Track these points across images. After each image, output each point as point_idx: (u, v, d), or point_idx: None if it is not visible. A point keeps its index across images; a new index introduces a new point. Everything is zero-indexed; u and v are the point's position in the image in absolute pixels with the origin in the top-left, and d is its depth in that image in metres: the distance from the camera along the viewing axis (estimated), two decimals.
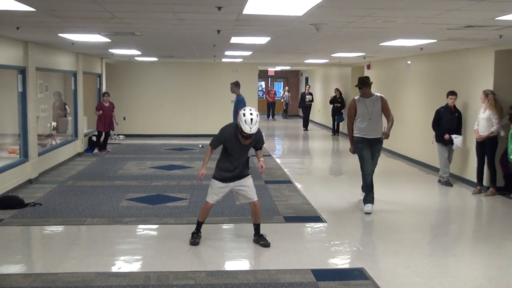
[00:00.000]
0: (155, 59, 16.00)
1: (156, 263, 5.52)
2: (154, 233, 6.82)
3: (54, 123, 12.60)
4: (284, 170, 11.31)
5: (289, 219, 7.27)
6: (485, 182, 9.03)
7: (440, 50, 10.46)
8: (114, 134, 16.77)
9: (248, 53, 12.59)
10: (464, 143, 9.53)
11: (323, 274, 5.18)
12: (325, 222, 7.17)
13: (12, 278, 5.03)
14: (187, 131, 17.57)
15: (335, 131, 18.60)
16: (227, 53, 12.53)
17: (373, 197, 7.70)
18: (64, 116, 13.58)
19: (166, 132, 17.70)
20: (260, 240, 6.08)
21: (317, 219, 7.31)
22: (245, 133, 5.63)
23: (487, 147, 8.80)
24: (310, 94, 21.26)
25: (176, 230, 6.69)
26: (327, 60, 15.60)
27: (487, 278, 5.28)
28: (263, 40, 9.04)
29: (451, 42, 8.60)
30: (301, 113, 23.42)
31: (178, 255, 5.76)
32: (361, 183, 7.89)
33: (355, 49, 10.88)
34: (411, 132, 12.24)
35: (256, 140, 5.98)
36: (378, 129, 7.58)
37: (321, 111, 22.36)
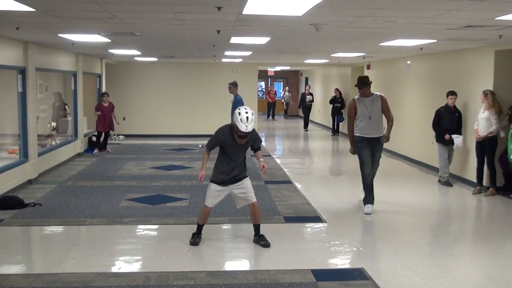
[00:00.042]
0: (155, 59, 16.00)
1: (156, 263, 5.52)
2: (154, 233, 6.82)
3: (54, 124, 12.61)
4: (284, 170, 11.31)
5: (289, 219, 7.27)
6: (485, 182, 9.03)
7: (440, 50, 10.47)
8: (114, 135, 16.78)
9: (248, 53, 12.59)
10: (464, 143, 9.53)
11: (323, 274, 5.18)
12: (325, 222, 7.17)
13: (12, 279, 5.03)
14: (187, 131, 17.57)
15: (335, 131, 18.60)
16: (227, 53, 12.53)
17: (373, 198, 7.70)
18: (64, 117, 13.57)
19: (166, 132, 17.70)
20: (260, 240, 6.08)
21: (317, 219, 7.32)
22: (241, 131, 5.66)
23: (486, 147, 8.81)
24: (311, 94, 21.25)
25: (176, 231, 6.69)
26: (327, 60, 15.60)
27: (487, 278, 5.28)
28: (263, 40, 9.04)
29: (451, 42, 8.60)
30: (301, 113, 23.43)
31: (178, 255, 5.76)
32: (361, 183, 7.86)
33: (355, 49, 10.88)
34: (411, 132, 12.24)
35: (253, 140, 6.00)
36: (379, 128, 7.56)
37: (321, 111, 22.36)
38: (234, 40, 8.99)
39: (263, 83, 29.05)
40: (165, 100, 17.95)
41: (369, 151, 7.54)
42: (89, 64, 14.17)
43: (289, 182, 9.97)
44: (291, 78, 28.98)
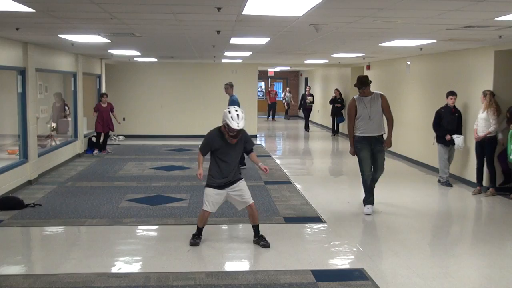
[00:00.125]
0: (154, 59, 16.00)
1: (156, 263, 5.52)
2: (154, 233, 6.82)
3: (54, 124, 12.60)
4: (284, 170, 11.31)
5: (289, 220, 7.27)
6: (485, 182, 9.03)
7: (439, 50, 10.47)
8: (114, 135, 16.78)
9: (248, 53, 12.59)
10: (464, 143, 9.52)
11: (323, 275, 5.18)
12: (325, 222, 7.17)
13: (12, 279, 5.03)
14: (186, 132, 17.57)
15: (335, 131, 18.60)
16: (226, 53, 12.53)
17: (373, 199, 7.69)
18: (65, 117, 13.57)
19: (165, 132, 17.70)
20: (260, 240, 6.07)
21: (317, 219, 7.31)
22: (233, 129, 5.69)
23: (486, 147, 8.81)
24: (311, 95, 21.24)
25: (176, 231, 6.69)
26: (327, 61, 15.61)
27: (487, 278, 5.28)
28: (262, 40, 9.04)
29: (451, 42, 8.60)
30: (301, 114, 23.42)
31: (178, 255, 5.76)
32: (361, 183, 7.84)
33: (354, 49, 10.88)
34: (411, 132, 12.24)
35: (244, 141, 6.01)
36: (379, 127, 7.51)
37: (321, 112, 22.36)
38: (234, 40, 8.99)
39: (263, 84, 29.04)
40: (164, 100, 17.95)
41: (368, 151, 7.50)
42: (89, 64, 14.18)
43: (289, 182, 9.97)
44: (290, 78, 28.97)
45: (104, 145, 13.95)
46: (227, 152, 5.92)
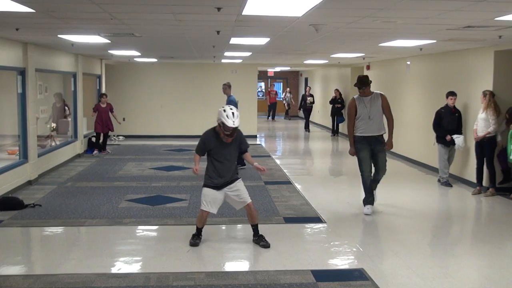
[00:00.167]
0: (154, 60, 16.00)
1: (156, 264, 5.52)
2: (154, 234, 6.82)
3: (53, 124, 12.60)
4: (284, 171, 11.31)
5: (288, 220, 7.27)
6: (485, 182, 9.03)
7: (439, 50, 10.47)
8: (114, 135, 16.79)
9: (248, 54, 12.60)
10: (465, 143, 9.52)
11: (323, 275, 5.18)
12: (325, 222, 7.17)
13: (12, 280, 5.03)
14: (186, 132, 17.57)
15: (335, 131, 18.61)
16: (226, 54, 12.53)
17: (373, 199, 7.68)
18: (65, 117, 13.57)
19: (165, 133, 17.70)
20: (260, 241, 6.07)
21: (317, 219, 7.31)
22: (228, 127, 5.71)
23: (486, 147, 8.81)
24: (311, 95, 21.23)
25: (175, 231, 6.69)
26: (327, 61, 15.61)
27: (487, 278, 5.28)
28: (262, 41, 9.04)
29: (451, 42, 8.61)
30: (301, 114, 23.40)
31: (178, 256, 5.76)
32: (361, 184, 7.82)
33: (354, 49, 10.89)
34: (411, 132, 12.24)
35: (239, 141, 6.02)
36: (379, 127, 7.47)
37: (320, 112, 22.36)
38: (233, 40, 8.99)
39: (263, 84, 29.04)
40: (164, 100, 17.95)
41: (368, 152, 7.47)
42: (89, 65, 14.18)
43: (289, 182, 9.97)
44: (290, 78, 28.97)
45: (104, 146, 13.95)
46: (223, 152, 5.93)
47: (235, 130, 5.81)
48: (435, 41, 8.50)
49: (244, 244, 6.22)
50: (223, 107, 5.89)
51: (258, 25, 6.88)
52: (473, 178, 9.26)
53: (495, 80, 8.95)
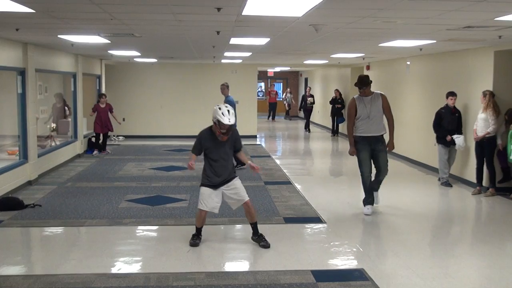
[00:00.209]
0: (154, 60, 16.00)
1: (155, 264, 5.52)
2: (154, 234, 6.82)
3: (53, 125, 12.61)
4: (284, 171, 11.31)
5: (288, 220, 7.27)
6: (485, 182, 9.03)
7: (439, 50, 10.47)
8: (114, 135, 16.79)
9: (248, 54, 12.60)
10: (465, 143, 9.52)
11: (323, 275, 5.18)
12: (325, 223, 7.17)
13: (12, 280, 5.03)
14: (186, 132, 17.53)
15: (335, 132, 18.60)
16: (226, 54, 12.53)
17: (373, 199, 7.67)
18: (64, 118, 13.57)
19: (165, 133, 17.70)
20: (260, 241, 6.07)
21: (317, 220, 7.31)
22: (224, 125, 5.74)
23: (486, 147, 8.81)
24: (311, 96, 21.23)
25: (175, 231, 6.69)
26: (327, 61, 15.61)
27: (487, 278, 5.28)
28: (262, 41, 9.04)
29: (451, 42, 8.61)
30: (301, 114, 23.37)
31: (178, 256, 5.76)
32: (361, 184, 7.81)
33: (354, 49, 10.89)
34: (411, 133, 12.24)
35: (234, 140, 6.05)
36: (379, 127, 7.44)
37: (320, 112, 22.36)
38: (233, 41, 8.99)
39: (262, 84, 29.03)
40: (164, 101, 17.95)
41: (368, 152, 7.45)
42: (89, 65, 14.18)
43: (288, 182, 9.97)
44: (290, 78, 28.97)
45: (103, 146, 13.95)
46: (218, 151, 5.96)
47: (231, 128, 5.85)
48: (435, 41, 8.50)
49: (244, 244, 6.22)
50: (218, 105, 5.93)
51: (258, 25, 6.88)
52: (473, 178, 9.26)
53: (495, 80, 8.95)
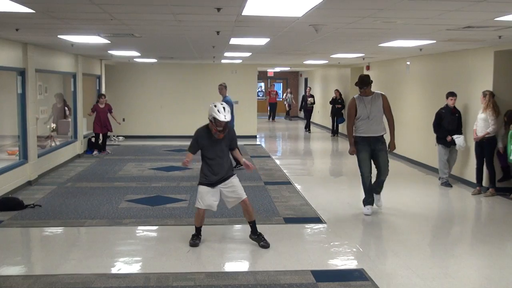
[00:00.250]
0: (154, 60, 16.00)
1: (155, 264, 5.52)
2: (154, 234, 6.82)
3: (53, 125, 12.61)
4: (284, 171, 11.31)
5: (288, 220, 7.26)
6: (485, 182, 9.03)
7: (439, 51, 10.47)
8: (114, 136, 16.78)
9: (248, 54, 12.60)
10: (465, 143, 9.52)
11: (323, 275, 5.18)
12: (325, 223, 7.17)
13: (12, 280, 5.03)
14: (186, 132, 17.45)
15: (335, 132, 18.60)
16: (226, 54, 12.53)
17: (373, 200, 7.67)
18: (64, 118, 13.58)
19: (165, 133, 17.70)
20: (259, 240, 6.07)
21: (317, 220, 7.31)
22: (220, 122, 5.79)
23: (485, 148, 8.81)
24: (312, 96, 21.22)
25: (175, 232, 6.69)
26: (326, 61, 15.61)
27: (487, 279, 5.28)
28: (262, 41, 9.04)
29: (451, 43, 8.61)
30: (301, 115, 23.35)
31: (178, 256, 5.76)
32: (361, 184, 7.80)
33: (354, 50, 10.89)
34: (411, 133, 12.24)
35: (231, 138, 6.08)
36: (379, 127, 7.43)
37: (320, 112, 22.36)
38: (233, 41, 8.99)
39: (262, 84, 29.02)
40: (164, 101, 17.95)
41: (368, 153, 7.44)
42: (89, 65, 14.18)
43: (288, 183, 9.97)
44: (290, 79, 28.97)
45: (103, 146, 13.95)
46: (215, 149, 5.98)
47: (227, 125, 5.87)
48: (435, 41, 8.50)
49: (244, 244, 6.22)
50: (213, 103, 5.96)
51: (258, 25, 6.88)
52: (473, 178, 9.26)
53: (495, 81, 8.95)
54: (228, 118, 5.82)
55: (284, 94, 27.24)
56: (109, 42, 9.20)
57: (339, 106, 17.98)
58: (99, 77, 15.58)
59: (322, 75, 22.54)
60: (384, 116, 7.51)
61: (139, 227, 6.94)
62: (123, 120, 16.71)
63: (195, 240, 6.10)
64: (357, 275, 5.22)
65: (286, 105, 26.78)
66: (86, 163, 12.17)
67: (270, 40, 8.75)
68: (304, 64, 18.14)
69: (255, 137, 17.67)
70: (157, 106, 17.88)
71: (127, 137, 17.39)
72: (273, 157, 13.63)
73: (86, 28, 7.31)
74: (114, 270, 5.41)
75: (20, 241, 6.78)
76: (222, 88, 11.30)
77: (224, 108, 5.84)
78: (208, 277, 5.12)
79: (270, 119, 26.04)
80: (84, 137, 13.71)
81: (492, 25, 6.31)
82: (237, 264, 5.75)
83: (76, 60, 12.80)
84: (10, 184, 8.74)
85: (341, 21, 6.29)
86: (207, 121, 6.09)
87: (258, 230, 6.16)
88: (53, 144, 11.90)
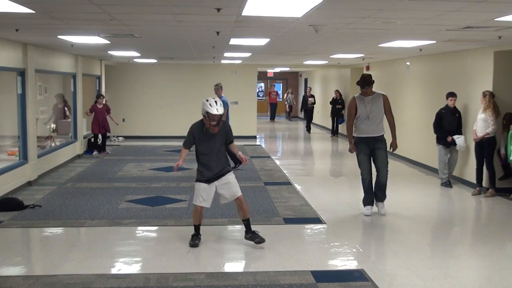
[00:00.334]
0: (154, 60, 16.00)
1: (155, 265, 5.52)
2: (154, 234, 6.82)
3: (53, 125, 12.60)
4: (284, 171, 11.30)
5: (288, 221, 7.26)
6: (485, 183, 9.03)
7: (439, 51, 10.47)
8: (113, 136, 16.78)
9: (247, 54, 12.60)
10: (466, 143, 9.51)
11: (322, 276, 5.18)
12: (325, 223, 7.17)
13: (12, 280, 5.03)
14: (186, 133, 17.52)
15: (335, 132, 18.60)
16: (226, 54, 12.53)
17: (373, 200, 7.66)
18: (64, 118, 13.57)
19: (165, 133, 17.69)
20: (254, 237, 6.06)
21: (317, 220, 7.31)
22: (213, 115, 5.79)
23: (485, 148, 8.81)
24: (312, 96, 21.21)
25: (175, 232, 6.69)
26: (326, 62, 15.61)
27: (487, 279, 5.28)
28: (262, 41, 9.04)
29: (450, 43, 8.61)
30: (301, 115, 23.34)
31: (178, 256, 5.76)
32: (361, 185, 7.79)
33: (354, 50, 10.89)
34: (411, 133, 12.24)
35: (226, 132, 6.09)
36: (378, 128, 7.41)
37: (320, 113, 22.35)
38: (233, 41, 8.99)
39: (262, 84, 29.02)
40: (164, 101, 17.94)
41: (367, 154, 7.43)
42: (89, 65, 14.18)
43: (288, 183, 9.97)
44: (290, 79, 28.96)
45: (103, 146, 13.95)
46: (209, 145, 5.98)
47: (221, 119, 5.88)
48: (434, 41, 8.50)
49: (243, 245, 6.21)
50: (204, 99, 5.97)
51: (257, 25, 6.88)
52: (473, 178, 9.25)
53: (494, 81, 8.95)
54: (220, 111, 5.84)
55: (285, 95, 27.22)
56: (109, 42, 9.20)
57: (339, 106, 17.97)
58: (99, 78, 15.58)
59: (322, 75, 22.54)
60: (384, 117, 7.51)
61: (139, 228, 6.94)
62: (123, 120, 16.71)
63: (195, 240, 6.10)
64: (357, 275, 5.22)
65: (287, 105, 26.77)
66: (86, 164, 12.17)
67: (270, 40, 8.75)
68: (304, 65, 18.14)
69: (255, 137, 17.68)
70: (157, 106, 17.88)
71: (127, 138, 17.38)
72: (273, 157, 13.62)
73: (86, 28, 7.31)
74: (114, 271, 5.41)
75: (20, 241, 6.78)
76: (218, 88, 11.35)
77: (216, 101, 5.86)
78: (208, 277, 5.12)
79: (270, 120, 26.02)
80: (84, 137, 13.71)
81: (492, 25, 6.31)
82: (237, 265, 5.76)
83: (76, 61, 12.79)
84: (10, 184, 8.74)
85: (341, 21, 6.30)
86: None
87: (258, 231, 6.16)
88: (53, 145, 11.89)
